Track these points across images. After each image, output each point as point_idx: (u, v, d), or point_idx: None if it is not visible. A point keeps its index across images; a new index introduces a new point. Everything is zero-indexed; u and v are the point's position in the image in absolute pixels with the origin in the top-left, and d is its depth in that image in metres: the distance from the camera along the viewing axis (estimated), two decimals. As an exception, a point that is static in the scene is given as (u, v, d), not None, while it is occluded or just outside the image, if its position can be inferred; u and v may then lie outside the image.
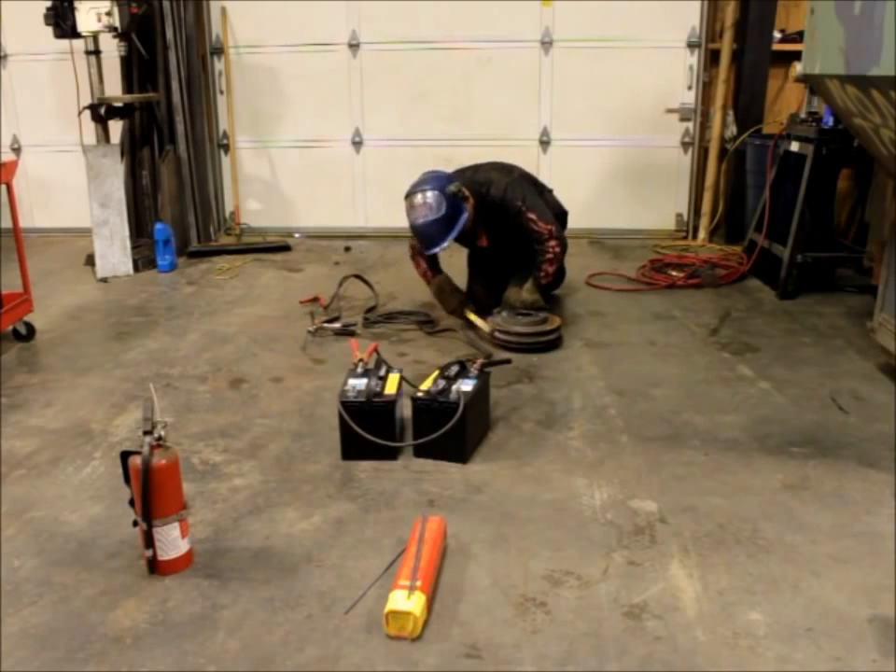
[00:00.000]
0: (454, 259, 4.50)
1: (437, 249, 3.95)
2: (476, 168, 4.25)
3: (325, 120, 6.38)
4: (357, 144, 6.42)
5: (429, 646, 1.88)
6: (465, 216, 3.92)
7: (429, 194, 3.83)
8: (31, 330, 4.07)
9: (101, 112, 5.31)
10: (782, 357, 3.73)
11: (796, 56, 4.30)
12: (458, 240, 4.19)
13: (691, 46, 5.99)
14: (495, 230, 4.18)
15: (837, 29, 3.02)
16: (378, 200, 6.31)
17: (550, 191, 4.51)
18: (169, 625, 1.97)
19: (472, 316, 4.03)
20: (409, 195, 3.91)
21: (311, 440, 2.95)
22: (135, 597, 2.07)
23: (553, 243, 4.01)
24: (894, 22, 2.57)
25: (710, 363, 3.69)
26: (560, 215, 4.42)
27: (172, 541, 2.14)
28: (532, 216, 3.98)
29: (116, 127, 5.64)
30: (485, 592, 2.08)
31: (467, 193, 3.95)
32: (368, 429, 2.68)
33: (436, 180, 3.90)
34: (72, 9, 5.02)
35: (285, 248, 6.06)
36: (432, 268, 4.25)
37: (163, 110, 5.82)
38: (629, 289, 4.91)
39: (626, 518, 2.41)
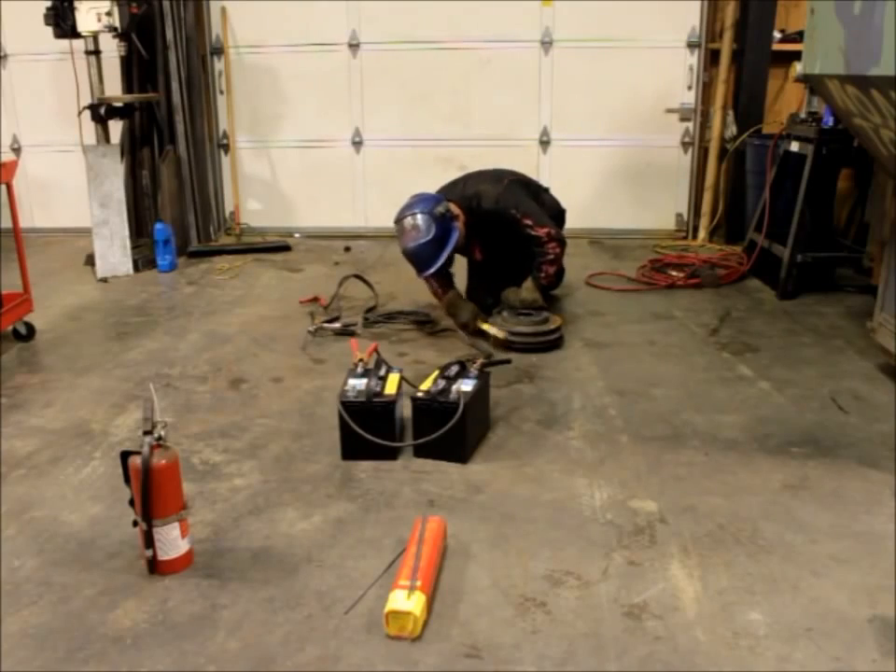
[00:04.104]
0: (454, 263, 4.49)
1: (430, 271, 3.89)
2: (465, 180, 4.23)
3: (325, 120, 6.39)
4: (358, 144, 6.42)
5: (429, 646, 1.88)
6: (455, 234, 3.89)
7: (418, 217, 3.80)
8: (31, 330, 4.07)
9: (101, 112, 5.31)
10: (782, 357, 3.73)
11: (796, 56, 4.29)
12: (455, 252, 4.18)
13: (691, 46, 5.99)
14: (489, 241, 4.17)
15: (837, 29, 3.02)
16: (378, 200, 6.30)
17: (546, 190, 4.51)
18: (169, 625, 1.97)
19: (485, 326, 3.95)
20: (398, 220, 3.89)
21: (311, 440, 2.95)
22: (135, 597, 2.07)
23: (552, 244, 4.00)
24: (894, 22, 2.57)
25: (710, 363, 3.69)
26: (558, 214, 4.42)
27: (172, 541, 2.14)
28: (528, 221, 3.96)
29: (116, 127, 5.64)
30: (485, 592, 2.08)
31: (456, 211, 3.94)
32: (368, 429, 2.68)
33: (423, 203, 3.86)
34: (72, 9, 5.02)
35: (285, 248, 6.06)
36: (443, 286, 4.18)
37: (163, 110, 5.82)
38: (629, 289, 4.91)
39: (626, 518, 2.41)
